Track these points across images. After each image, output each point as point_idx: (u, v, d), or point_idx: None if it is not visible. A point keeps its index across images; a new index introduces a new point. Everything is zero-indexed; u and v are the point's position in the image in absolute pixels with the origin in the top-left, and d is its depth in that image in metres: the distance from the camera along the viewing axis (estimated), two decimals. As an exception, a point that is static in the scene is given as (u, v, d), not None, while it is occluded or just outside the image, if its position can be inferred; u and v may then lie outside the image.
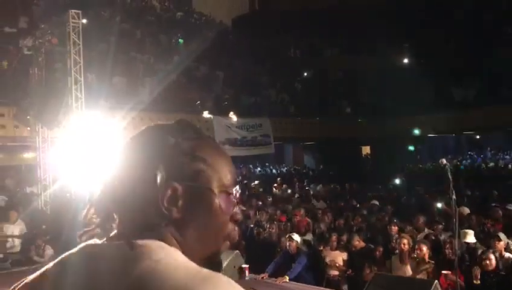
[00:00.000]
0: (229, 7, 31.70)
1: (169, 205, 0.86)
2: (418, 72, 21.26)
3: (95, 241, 0.90)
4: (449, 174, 4.67)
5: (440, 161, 4.75)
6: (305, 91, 22.21)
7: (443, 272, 5.69)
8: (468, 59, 19.64)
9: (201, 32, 23.50)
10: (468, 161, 22.95)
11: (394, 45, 23.16)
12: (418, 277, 5.75)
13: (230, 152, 17.04)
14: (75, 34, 11.19)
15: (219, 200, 0.90)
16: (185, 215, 0.87)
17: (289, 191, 14.83)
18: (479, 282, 5.42)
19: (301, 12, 27.07)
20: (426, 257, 5.88)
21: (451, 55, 20.76)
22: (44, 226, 10.31)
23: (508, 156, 22.92)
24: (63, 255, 0.90)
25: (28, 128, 12.34)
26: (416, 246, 6.01)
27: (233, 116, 16.93)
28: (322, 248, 7.47)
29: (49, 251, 9.21)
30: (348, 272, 6.86)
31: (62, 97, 11.08)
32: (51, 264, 0.91)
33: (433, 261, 5.79)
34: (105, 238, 0.90)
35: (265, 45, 24.92)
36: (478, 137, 26.84)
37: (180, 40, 22.29)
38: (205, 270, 0.78)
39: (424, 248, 5.94)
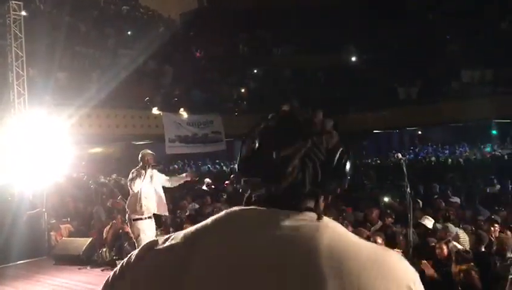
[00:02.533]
0: (177, 2, 31.17)
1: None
2: (365, 70, 21.89)
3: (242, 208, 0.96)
4: (404, 168, 4.81)
5: (396, 155, 4.89)
6: (256, 88, 22.29)
7: None
8: (411, 58, 20.41)
9: (148, 26, 23.01)
10: (411, 155, 23.91)
11: (342, 44, 23.69)
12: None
13: (181, 149, 16.82)
14: (16, 26, 10.63)
15: None
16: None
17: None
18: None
19: (250, 9, 27.07)
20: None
21: (395, 53, 21.50)
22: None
23: (447, 151, 24.11)
24: (227, 214, 0.95)
25: (-36, 125, 11.59)
26: (372, 239, 6.16)
27: (183, 113, 16.70)
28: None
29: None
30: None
31: (2, 93, 10.50)
32: (206, 223, 0.96)
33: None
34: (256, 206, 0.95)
35: (215, 41, 24.75)
36: (420, 133, 28.02)
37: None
38: (379, 245, 0.94)
39: (379, 240, 6.09)
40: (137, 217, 6.48)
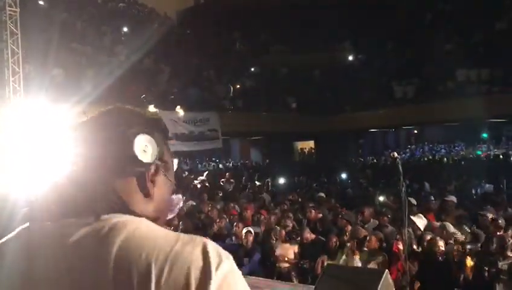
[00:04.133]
0: (173, 0, 31.09)
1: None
2: (361, 69, 21.89)
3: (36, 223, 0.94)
4: (399, 167, 4.80)
5: (392, 154, 4.85)
6: (252, 86, 22.28)
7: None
8: (407, 57, 20.44)
9: (144, 24, 22.94)
10: (408, 154, 23.99)
11: (339, 43, 23.69)
12: (369, 266, 5.89)
13: (177, 147, 16.74)
14: (12, 22, 10.57)
15: None
16: None
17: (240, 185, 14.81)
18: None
19: (247, 7, 27.02)
20: (377, 246, 6.03)
21: (392, 53, 21.52)
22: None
23: (444, 150, 24.18)
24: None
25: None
26: (368, 238, 6.16)
27: (180, 111, 16.64)
28: (272, 241, 7.50)
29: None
30: (300, 264, 6.91)
31: (-3, 89, 10.44)
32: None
33: (384, 253, 5.94)
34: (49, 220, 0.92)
35: (212, 39, 24.71)
36: (416, 131, 28.09)
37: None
38: (183, 234, 0.86)
39: (375, 239, 6.09)
40: None
